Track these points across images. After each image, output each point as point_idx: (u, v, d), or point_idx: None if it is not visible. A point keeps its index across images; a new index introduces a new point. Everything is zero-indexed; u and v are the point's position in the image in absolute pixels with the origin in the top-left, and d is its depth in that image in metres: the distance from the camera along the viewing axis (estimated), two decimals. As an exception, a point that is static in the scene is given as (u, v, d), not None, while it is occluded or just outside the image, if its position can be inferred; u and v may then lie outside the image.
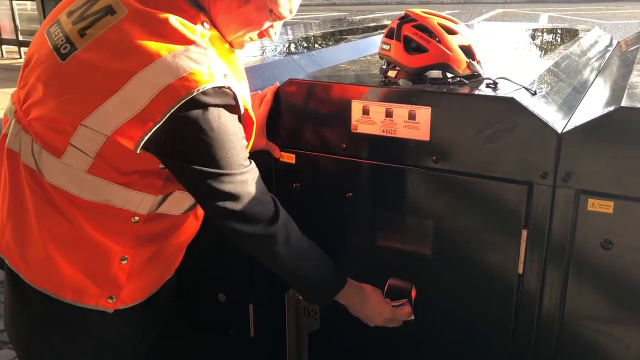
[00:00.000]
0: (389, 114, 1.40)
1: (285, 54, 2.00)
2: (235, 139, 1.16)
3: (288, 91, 1.52)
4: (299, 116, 1.53)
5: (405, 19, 1.44)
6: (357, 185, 1.51)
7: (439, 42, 1.39)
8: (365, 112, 1.43)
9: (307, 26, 2.97)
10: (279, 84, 1.54)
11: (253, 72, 1.70)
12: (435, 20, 1.41)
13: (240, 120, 1.19)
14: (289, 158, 1.58)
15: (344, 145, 1.49)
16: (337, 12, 20.10)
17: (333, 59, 1.92)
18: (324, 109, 1.49)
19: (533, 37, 2.50)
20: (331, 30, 2.66)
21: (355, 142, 1.47)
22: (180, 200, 1.27)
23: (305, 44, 2.21)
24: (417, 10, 1.45)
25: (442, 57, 1.40)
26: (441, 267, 1.45)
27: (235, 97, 1.14)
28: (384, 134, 1.42)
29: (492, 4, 21.90)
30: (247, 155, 1.22)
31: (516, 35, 2.55)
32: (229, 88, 1.12)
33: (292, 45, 2.21)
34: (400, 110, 1.38)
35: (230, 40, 1.25)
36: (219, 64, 1.13)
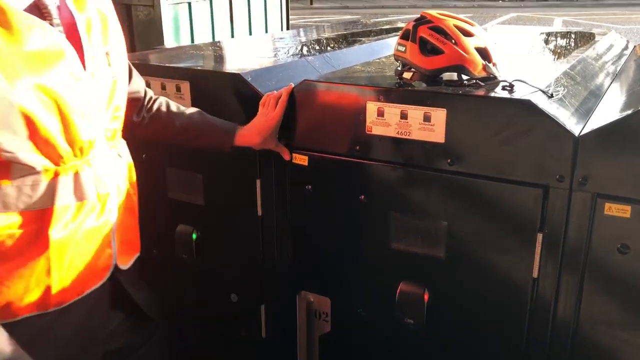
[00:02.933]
0: (404, 116, 1.40)
1: (299, 56, 2.00)
2: None
3: (302, 92, 1.52)
4: (313, 118, 1.53)
5: (421, 21, 1.43)
6: (370, 188, 1.50)
7: (455, 44, 1.39)
8: (380, 113, 1.43)
9: (321, 28, 2.97)
10: (293, 85, 1.54)
11: (267, 74, 1.71)
12: (451, 22, 1.40)
13: None
14: (302, 160, 1.58)
15: (358, 147, 1.49)
16: (351, 15, 20.11)
17: (347, 61, 1.92)
18: (338, 111, 1.49)
19: (549, 41, 2.48)
20: (345, 33, 2.66)
21: (369, 143, 1.47)
22: None
23: (320, 46, 2.21)
24: (433, 12, 1.44)
25: (458, 59, 1.39)
26: (455, 270, 1.44)
27: None
28: (399, 136, 1.42)
29: (505, 8, 21.79)
30: None
31: (532, 39, 2.53)
32: None
33: (306, 47, 2.21)
34: (416, 112, 1.38)
35: None
36: None
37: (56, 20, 1.05)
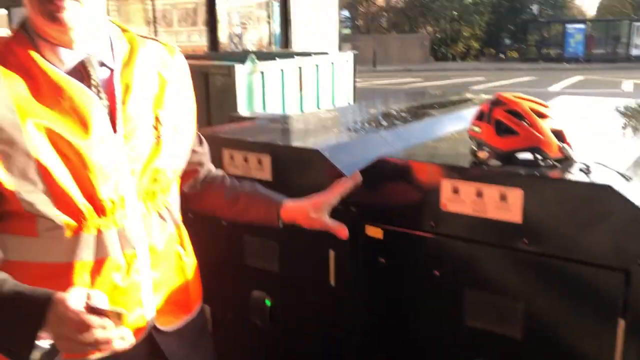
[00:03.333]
0: (479, 194, 1.43)
1: (372, 131, 2.09)
2: None
3: (378, 169, 1.59)
4: (388, 192, 1.59)
5: (496, 103, 1.48)
6: (444, 263, 1.52)
7: (531, 125, 1.42)
8: (455, 191, 1.47)
9: (390, 99, 3.06)
10: (359, 171, 1.54)
11: (344, 149, 1.79)
12: (526, 105, 1.45)
13: None
14: (376, 233, 1.63)
15: (433, 223, 1.52)
16: (413, 77, 20.41)
17: (419, 135, 1.98)
18: (413, 187, 1.54)
19: (623, 114, 2.46)
20: (415, 105, 2.74)
21: (444, 220, 1.50)
22: None
23: (391, 120, 2.29)
24: (508, 95, 1.49)
25: (533, 140, 1.42)
26: (531, 351, 1.42)
27: None
28: (474, 214, 1.45)
29: (571, 70, 21.53)
30: None
31: (605, 110, 2.52)
32: None
33: (378, 121, 2.29)
34: (491, 191, 1.41)
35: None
36: None
37: (94, 82, 1.14)
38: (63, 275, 1.14)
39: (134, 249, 1.20)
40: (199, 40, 12.20)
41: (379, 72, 23.00)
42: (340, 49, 12.62)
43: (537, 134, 1.42)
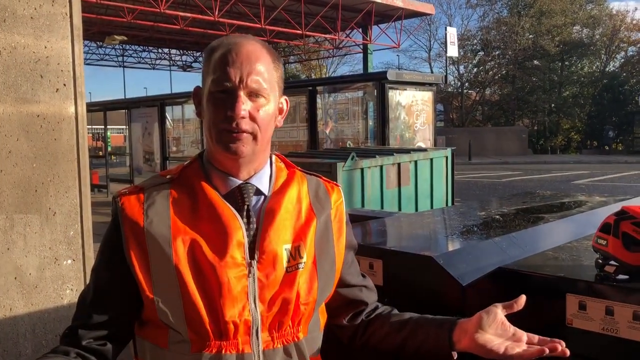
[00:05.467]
0: (609, 312, 1.36)
1: (484, 236, 2.06)
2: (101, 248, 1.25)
3: (497, 278, 1.55)
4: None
5: (623, 216, 1.43)
6: (572, 384, 1.42)
7: (663, 240, 1.35)
8: (582, 307, 1.40)
9: (493, 199, 3.02)
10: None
11: (457, 256, 1.77)
12: (657, 218, 1.39)
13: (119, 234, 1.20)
14: (494, 345, 1.56)
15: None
16: (512, 171, 19.96)
17: (534, 242, 1.93)
18: (535, 300, 1.48)
19: None
20: (525, 207, 2.68)
21: (569, 337, 1.42)
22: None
23: (503, 224, 2.26)
24: (636, 207, 1.44)
25: (668, 256, 1.35)
26: None
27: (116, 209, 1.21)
28: (604, 332, 1.36)
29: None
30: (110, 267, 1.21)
31: None
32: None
33: (488, 225, 2.26)
34: (624, 310, 1.33)
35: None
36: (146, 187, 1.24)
37: (247, 207, 1.21)
38: None
39: None
40: (297, 136, 12.79)
41: (474, 165, 22.75)
42: (435, 142, 12.72)
43: (671, 249, 1.34)
